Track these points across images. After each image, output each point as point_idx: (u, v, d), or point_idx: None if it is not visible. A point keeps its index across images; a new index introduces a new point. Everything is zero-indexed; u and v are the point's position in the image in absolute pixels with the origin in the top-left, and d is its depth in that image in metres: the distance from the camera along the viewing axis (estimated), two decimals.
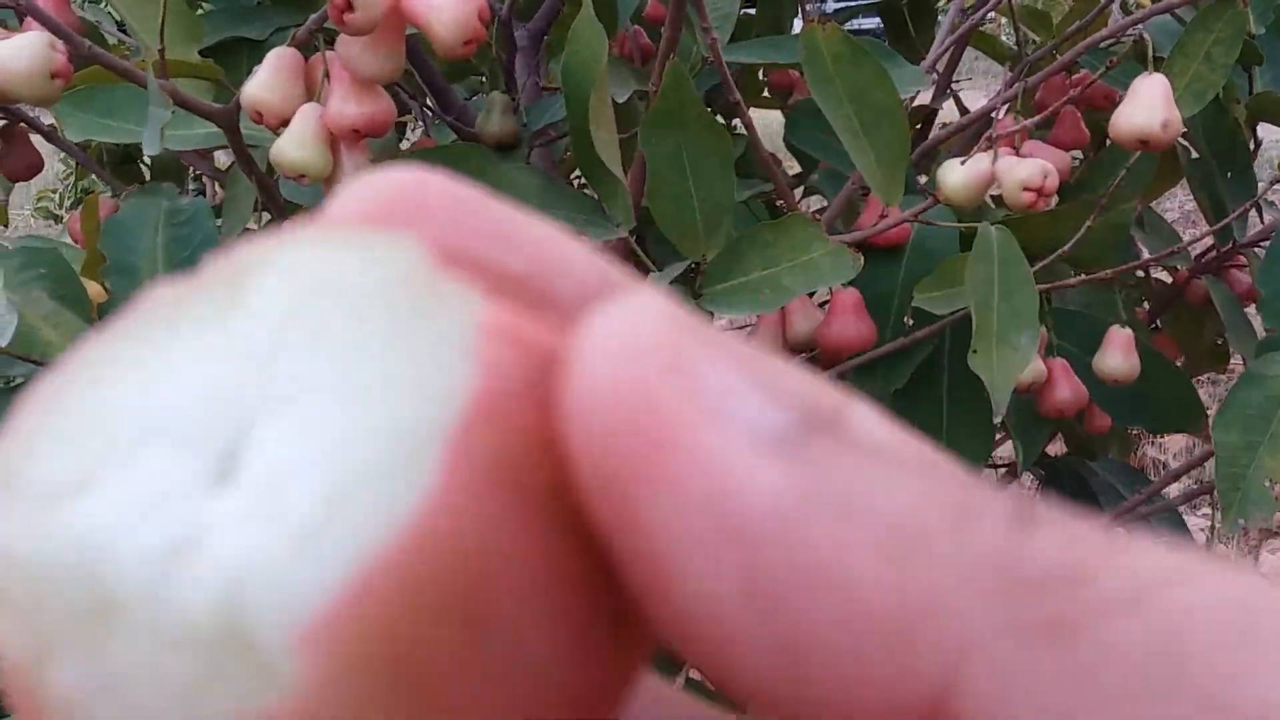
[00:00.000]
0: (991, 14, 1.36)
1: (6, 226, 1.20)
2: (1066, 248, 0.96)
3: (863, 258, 0.82)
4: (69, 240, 1.06)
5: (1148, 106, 0.75)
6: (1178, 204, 3.72)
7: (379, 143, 0.74)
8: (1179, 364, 1.47)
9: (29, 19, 0.75)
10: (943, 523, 0.12)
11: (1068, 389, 0.95)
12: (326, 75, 0.71)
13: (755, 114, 1.94)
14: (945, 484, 0.12)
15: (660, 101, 0.75)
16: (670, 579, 0.12)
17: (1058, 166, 1.01)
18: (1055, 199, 0.89)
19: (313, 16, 0.69)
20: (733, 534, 0.12)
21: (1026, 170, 0.74)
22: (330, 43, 0.72)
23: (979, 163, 0.76)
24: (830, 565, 0.12)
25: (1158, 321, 1.34)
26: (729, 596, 0.12)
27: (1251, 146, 1.18)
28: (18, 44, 0.62)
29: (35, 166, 1.06)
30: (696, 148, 0.78)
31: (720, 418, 0.12)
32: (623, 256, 0.93)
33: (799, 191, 1.67)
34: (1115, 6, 1.54)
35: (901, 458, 0.13)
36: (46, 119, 1.01)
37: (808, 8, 1.25)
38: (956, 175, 0.77)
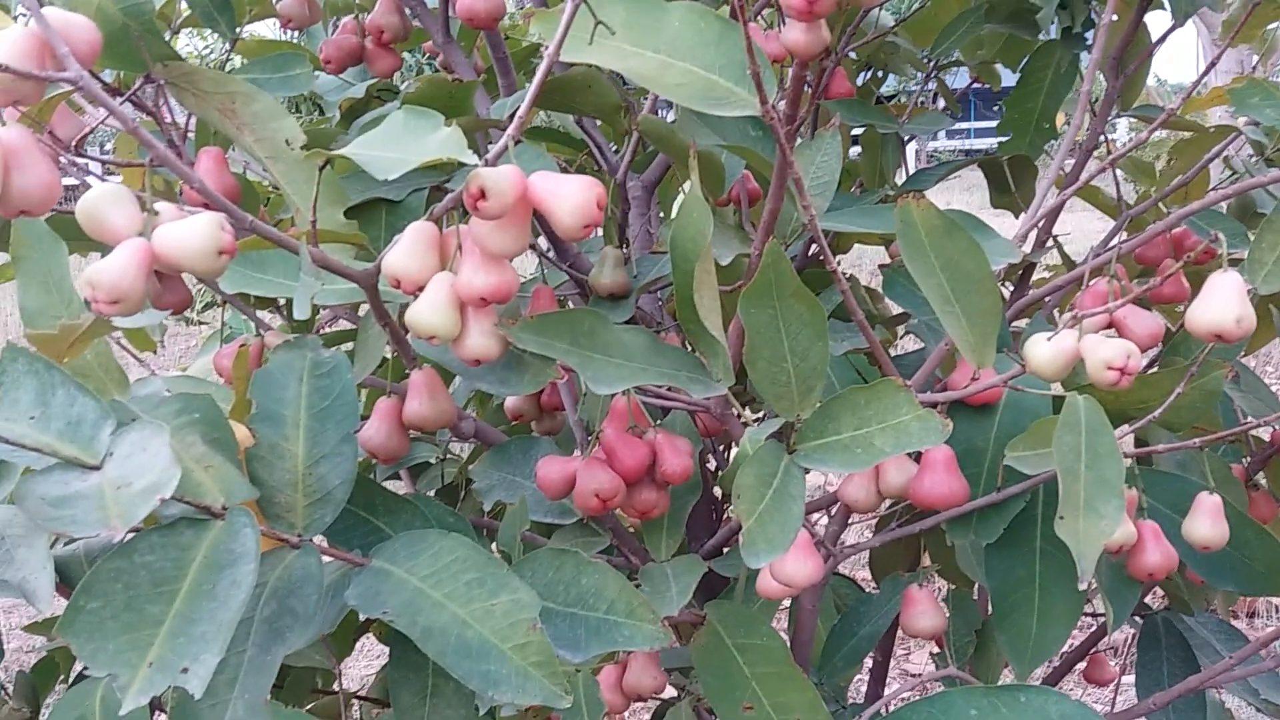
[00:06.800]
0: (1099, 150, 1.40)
1: (155, 353, 1.30)
2: (1157, 414, 0.98)
3: (951, 422, 0.85)
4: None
5: (1222, 303, 0.78)
6: None
7: (503, 307, 0.81)
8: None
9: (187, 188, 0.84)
10: None
11: (1158, 553, 0.96)
12: (459, 248, 0.78)
13: (860, 249, 1.98)
14: None
15: (759, 276, 0.81)
16: None
17: (1151, 331, 1.04)
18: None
19: (449, 196, 0.76)
20: None
21: (1110, 350, 0.77)
22: (464, 217, 0.79)
23: (1064, 339, 0.80)
24: None
25: (1258, 477, 1.33)
26: None
27: None
28: (191, 225, 0.69)
29: (186, 301, 1.16)
30: (792, 317, 0.83)
31: None
32: (722, 409, 0.98)
33: (900, 328, 1.71)
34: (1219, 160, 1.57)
35: None
36: None
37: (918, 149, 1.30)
38: (1043, 351, 0.80)
